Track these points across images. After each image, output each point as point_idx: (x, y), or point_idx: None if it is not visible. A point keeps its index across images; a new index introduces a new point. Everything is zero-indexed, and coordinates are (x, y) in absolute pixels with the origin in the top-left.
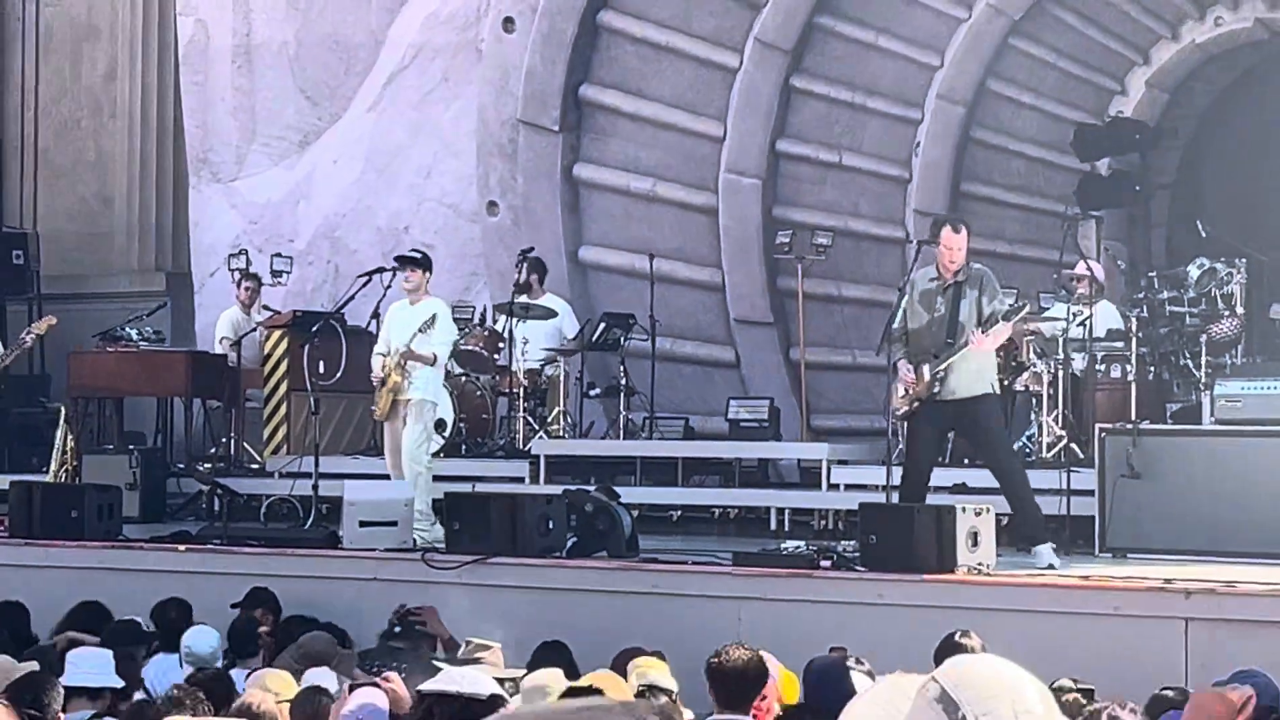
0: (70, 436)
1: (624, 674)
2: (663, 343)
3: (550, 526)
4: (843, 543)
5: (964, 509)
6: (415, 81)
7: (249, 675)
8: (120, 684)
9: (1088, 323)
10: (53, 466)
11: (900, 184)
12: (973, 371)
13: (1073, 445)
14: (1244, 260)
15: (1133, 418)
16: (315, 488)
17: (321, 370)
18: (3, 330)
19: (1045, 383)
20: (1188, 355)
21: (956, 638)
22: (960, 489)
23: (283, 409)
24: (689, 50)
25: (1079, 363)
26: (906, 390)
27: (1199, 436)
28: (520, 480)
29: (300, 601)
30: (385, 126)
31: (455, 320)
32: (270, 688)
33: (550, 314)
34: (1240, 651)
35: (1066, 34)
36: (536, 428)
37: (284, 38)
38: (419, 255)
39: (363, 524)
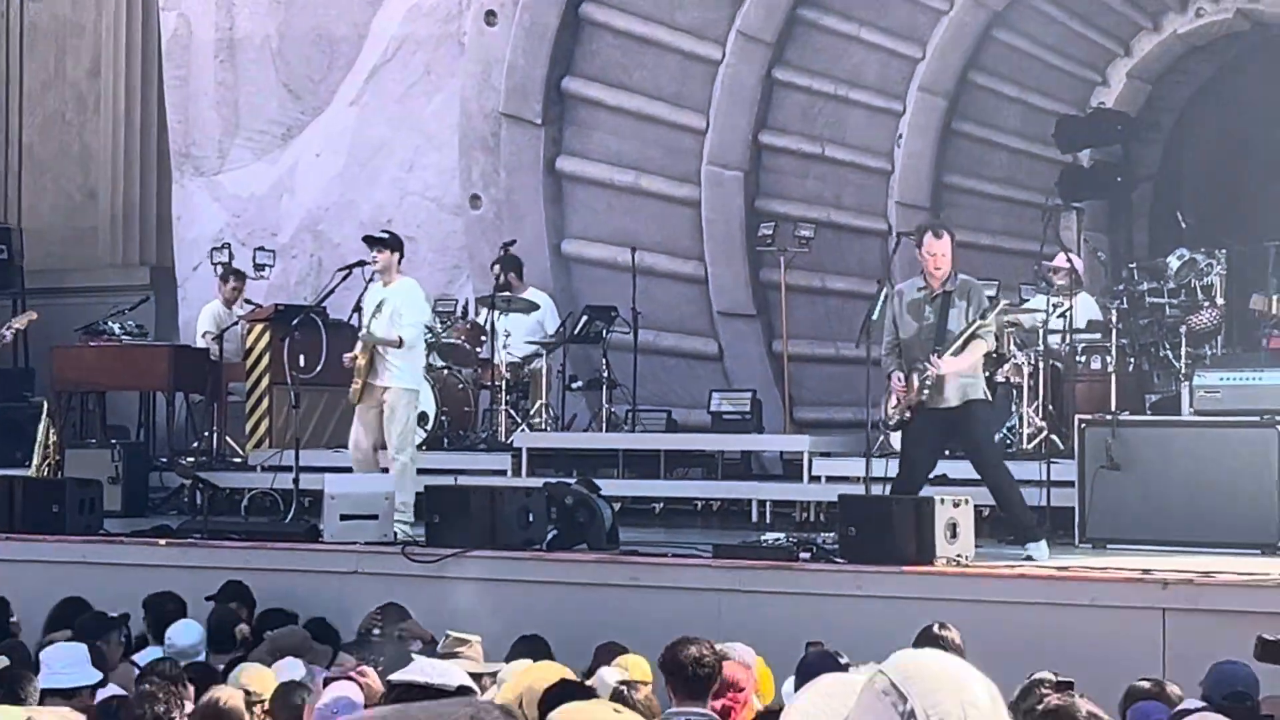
0: (52, 431)
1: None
2: (645, 335)
3: (530, 519)
4: (822, 535)
5: (942, 501)
6: (398, 75)
7: (223, 668)
8: (97, 678)
9: (1068, 314)
10: (35, 461)
11: (883, 176)
12: (962, 380)
13: (1053, 436)
14: (1224, 251)
15: (1112, 409)
16: (296, 481)
17: (302, 364)
18: None
19: (1025, 374)
20: (1168, 346)
21: (935, 630)
22: (941, 481)
23: (265, 403)
24: (671, 43)
25: (1059, 353)
26: (898, 399)
27: (1178, 427)
28: (502, 473)
29: (280, 595)
30: (368, 120)
31: (438, 314)
32: (248, 683)
33: (532, 307)
34: (1217, 642)
35: (1048, 25)
36: (518, 421)
37: (266, 32)
38: (386, 235)
39: (344, 518)
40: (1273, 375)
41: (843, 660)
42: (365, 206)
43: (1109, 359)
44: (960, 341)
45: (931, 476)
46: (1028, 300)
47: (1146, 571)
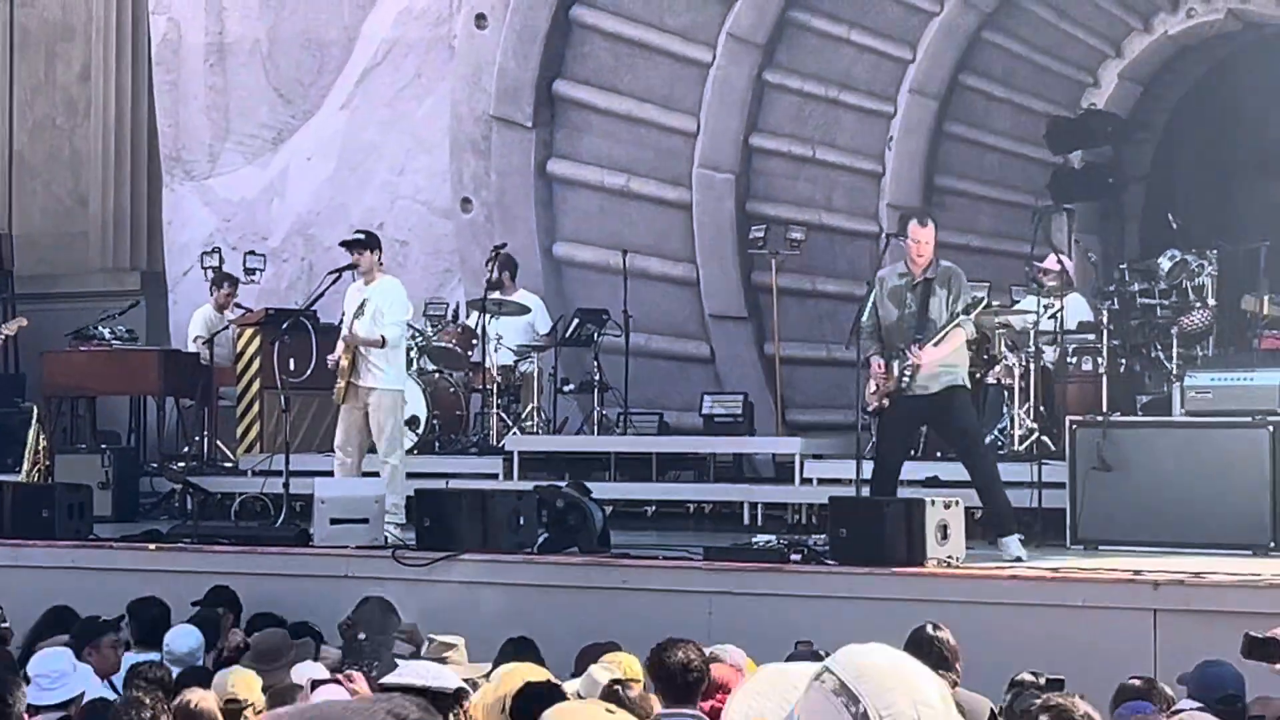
0: (42, 436)
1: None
2: (637, 338)
3: (521, 522)
4: (813, 537)
5: (933, 502)
6: (388, 78)
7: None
8: (84, 685)
9: (1059, 315)
10: (25, 466)
11: (874, 178)
12: (943, 366)
13: (1044, 438)
14: (1215, 252)
15: (1103, 410)
16: (286, 486)
17: (292, 368)
18: None
19: (1017, 375)
20: (1159, 347)
21: (929, 630)
22: (932, 482)
23: (256, 407)
24: (662, 45)
25: (1050, 355)
26: (877, 385)
27: (1169, 428)
28: (494, 476)
29: (271, 600)
30: (358, 123)
31: (429, 317)
32: (234, 687)
33: (523, 310)
34: (1208, 642)
35: (1038, 27)
36: (510, 424)
37: (257, 35)
38: (362, 236)
39: (334, 521)
40: (1264, 376)
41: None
42: (356, 210)
43: (1100, 360)
44: (941, 334)
45: (922, 478)
46: (1019, 302)
47: (1138, 573)
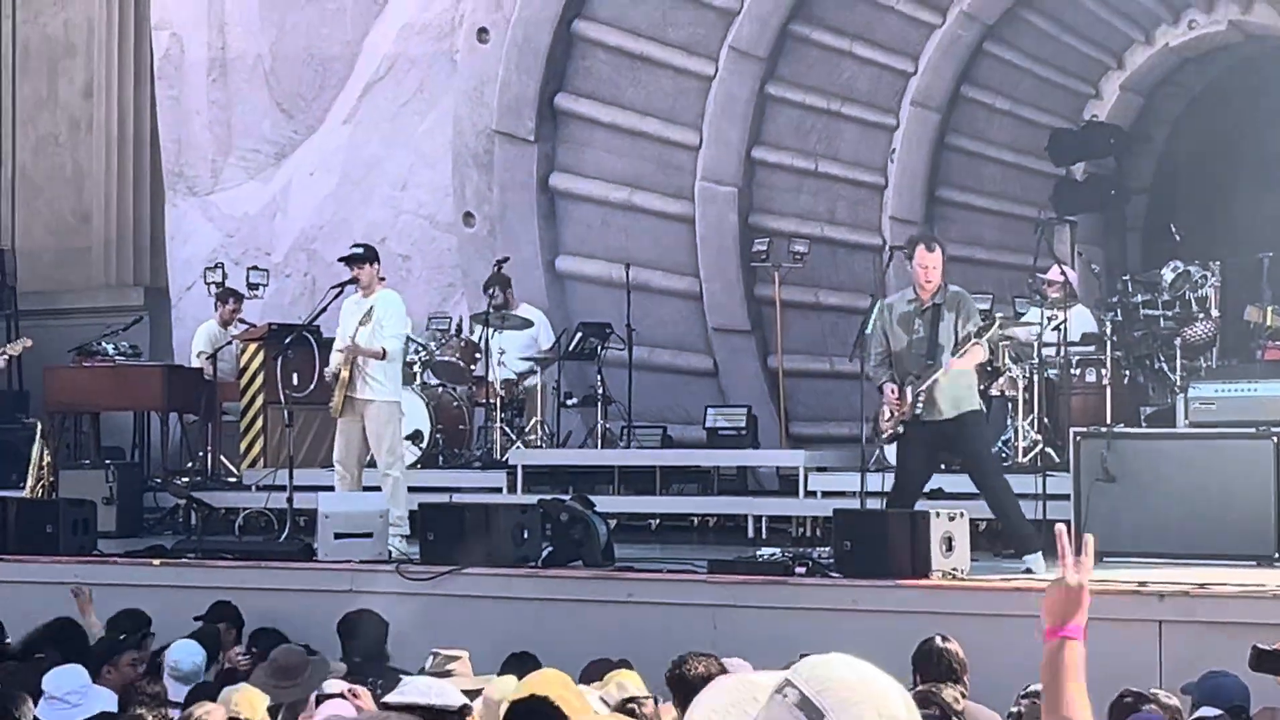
0: (46, 452)
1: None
2: (640, 352)
3: (525, 536)
4: (818, 549)
5: (938, 514)
6: (390, 93)
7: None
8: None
9: (1062, 327)
10: (29, 482)
11: (876, 191)
12: (956, 390)
13: (1048, 449)
14: (1218, 263)
15: (1108, 421)
16: (290, 500)
17: (295, 382)
18: None
19: (1020, 387)
20: (1162, 358)
21: (937, 642)
22: (936, 494)
23: (259, 422)
24: (664, 59)
25: (1054, 366)
26: (892, 412)
27: (1173, 439)
28: (497, 490)
29: (276, 615)
30: (361, 138)
31: (433, 331)
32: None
33: (526, 324)
34: (1213, 653)
35: (1040, 39)
36: (514, 438)
37: (259, 51)
38: (361, 250)
39: (338, 536)
40: (1268, 387)
41: None
42: (359, 225)
43: (1104, 371)
44: (965, 349)
45: (927, 490)
46: (1023, 314)
47: (1142, 584)
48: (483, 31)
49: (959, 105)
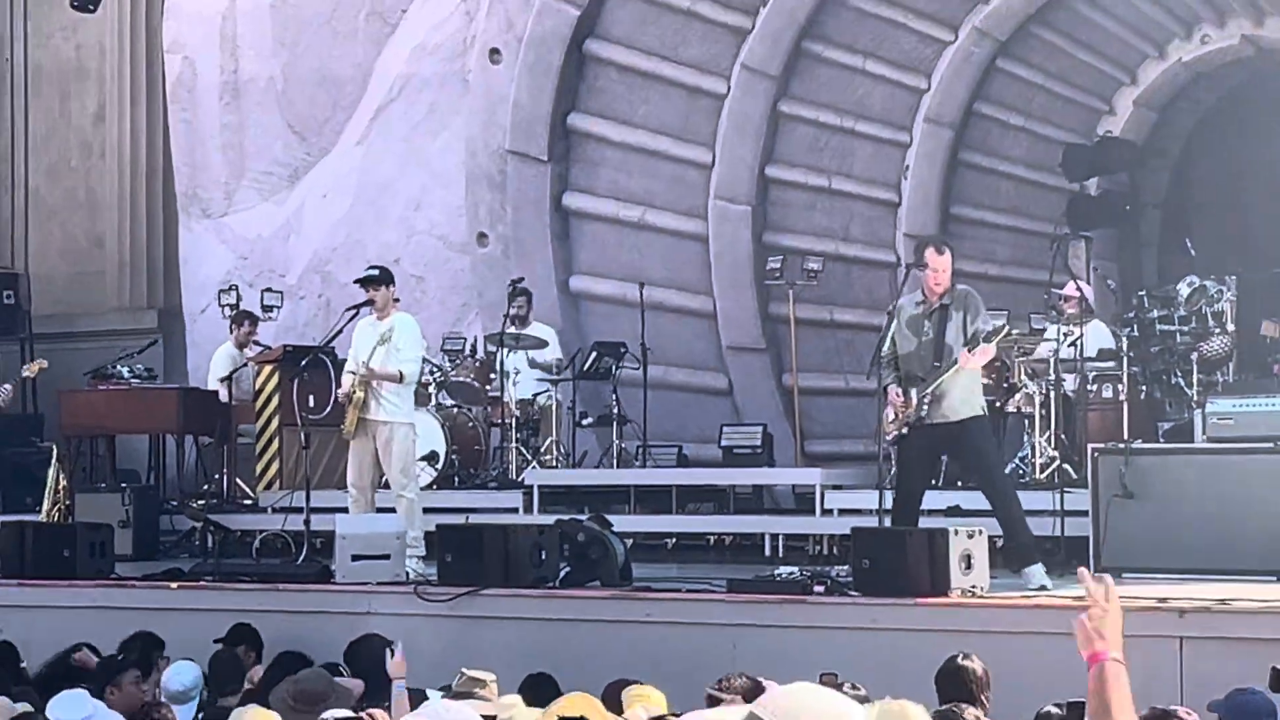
0: (62, 475)
1: (617, 704)
2: (655, 370)
3: (543, 557)
4: (836, 568)
5: (956, 532)
6: (403, 114)
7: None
8: None
9: (1079, 343)
10: (45, 506)
11: (890, 207)
12: (960, 394)
13: (1065, 466)
14: (1234, 278)
15: (1125, 437)
16: (307, 522)
17: (311, 404)
18: None
19: (1037, 403)
20: (1179, 374)
21: (959, 660)
22: (954, 511)
23: (275, 444)
24: (676, 77)
25: (1070, 383)
26: (896, 415)
27: (1191, 455)
28: (514, 511)
29: (294, 637)
30: (374, 159)
31: (447, 352)
32: None
33: (541, 343)
34: (1235, 670)
35: (1053, 55)
36: (529, 458)
37: (271, 73)
38: (377, 271)
39: (355, 558)
40: None
41: (860, 693)
42: (373, 246)
43: (1121, 387)
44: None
45: (944, 508)
46: (1039, 330)
47: (1162, 600)
48: (495, 52)
49: (972, 122)
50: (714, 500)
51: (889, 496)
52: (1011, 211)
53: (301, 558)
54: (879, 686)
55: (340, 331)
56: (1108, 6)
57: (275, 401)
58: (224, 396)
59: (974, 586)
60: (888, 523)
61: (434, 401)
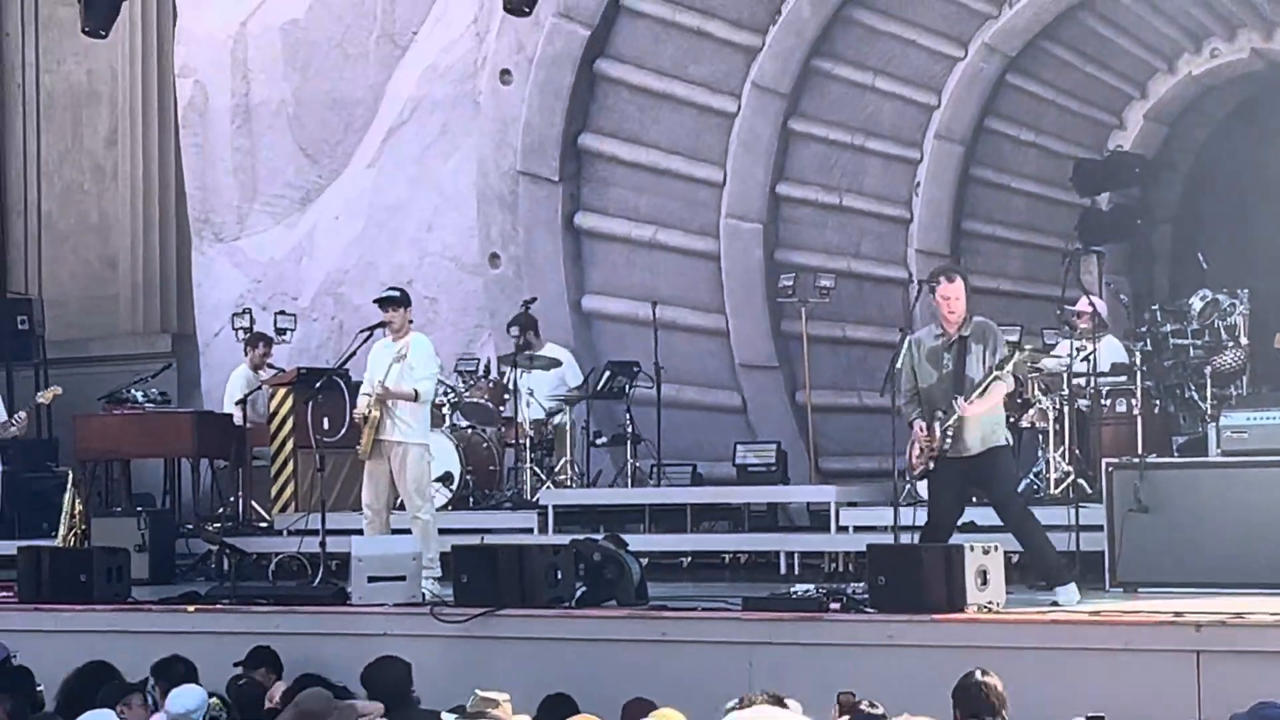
0: (78, 500)
1: None
2: (668, 389)
3: (558, 577)
4: (852, 585)
5: (972, 548)
6: (414, 135)
7: None
8: None
9: (1092, 358)
10: (61, 531)
11: (901, 224)
12: (983, 426)
13: (1080, 481)
14: (1246, 291)
15: (1139, 451)
16: (323, 544)
17: (326, 427)
18: (9, 395)
19: (1051, 419)
20: (1193, 387)
21: (977, 676)
22: (969, 528)
23: (290, 466)
24: (687, 96)
25: (1084, 397)
26: (921, 449)
27: (1206, 469)
28: (529, 531)
29: (310, 660)
30: (385, 181)
31: (460, 373)
32: None
33: (554, 364)
34: (1253, 683)
35: (1063, 70)
36: (544, 478)
37: (282, 96)
38: (397, 293)
39: (371, 579)
40: None
41: (877, 710)
42: (385, 268)
43: (1134, 401)
44: (981, 388)
45: (960, 524)
46: (1051, 345)
47: (1179, 614)
48: (505, 73)
49: (983, 137)
50: (729, 518)
51: (905, 513)
52: (1023, 227)
53: (317, 580)
54: (896, 703)
55: (354, 353)
56: (1117, 21)
57: (290, 424)
58: (239, 419)
59: (990, 602)
60: (903, 539)
61: (448, 422)
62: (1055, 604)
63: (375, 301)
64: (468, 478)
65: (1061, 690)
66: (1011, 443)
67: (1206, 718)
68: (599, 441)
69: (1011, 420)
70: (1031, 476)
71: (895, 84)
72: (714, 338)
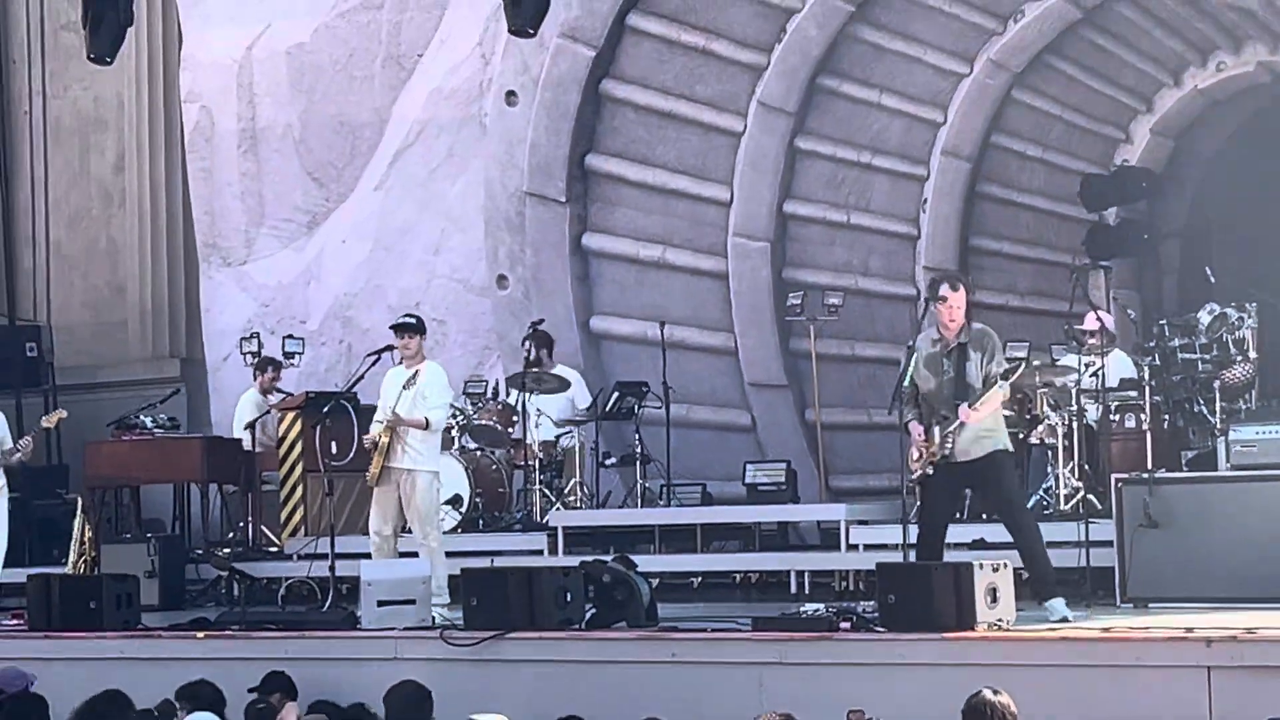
0: (87, 527)
1: None
2: (678, 409)
3: (568, 599)
4: (862, 603)
5: (981, 565)
6: (421, 158)
7: None
8: None
9: (1100, 373)
10: (71, 558)
11: (909, 241)
12: (983, 431)
13: (1090, 496)
14: (1255, 305)
15: (1149, 466)
16: (332, 569)
17: (334, 450)
18: (18, 422)
19: (1060, 435)
20: (1202, 402)
21: (987, 695)
22: (979, 545)
23: (299, 491)
24: (692, 116)
25: (1093, 413)
26: (920, 453)
27: (1216, 483)
28: (539, 553)
29: (321, 684)
30: (393, 204)
31: (469, 395)
32: None
33: (563, 385)
34: (1264, 699)
35: (1069, 85)
36: (553, 500)
37: (288, 121)
38: (414, 320)
39: (381, 603)
40: None
41: None
42: (393, 291)
43: (1143, 416)
44: (982, 397)
45: (969, 541)
46: (1059, 360)
47: (1189, 630)
48: (511, 94)
49: (989, 153)
50: (739, 538)
51: (914, 531)
52: (1031, 242)
53: (327, 604)
54: None
55: (362, 377)
56: (1122, 35)
57: (298, 448)
58: (248, 444)
59: (1000, 620)
60: (913, 557)
61: (457, 445)
62: (1064, 620)
63: (391, 328)
64: (477, 500)
65: (1072, 708)
66: (1011, 449)
67: None
68: (608, 462)
69: (1020, 436)
70: (1041, 493)
71: (901, 101)
72: (723, 357)
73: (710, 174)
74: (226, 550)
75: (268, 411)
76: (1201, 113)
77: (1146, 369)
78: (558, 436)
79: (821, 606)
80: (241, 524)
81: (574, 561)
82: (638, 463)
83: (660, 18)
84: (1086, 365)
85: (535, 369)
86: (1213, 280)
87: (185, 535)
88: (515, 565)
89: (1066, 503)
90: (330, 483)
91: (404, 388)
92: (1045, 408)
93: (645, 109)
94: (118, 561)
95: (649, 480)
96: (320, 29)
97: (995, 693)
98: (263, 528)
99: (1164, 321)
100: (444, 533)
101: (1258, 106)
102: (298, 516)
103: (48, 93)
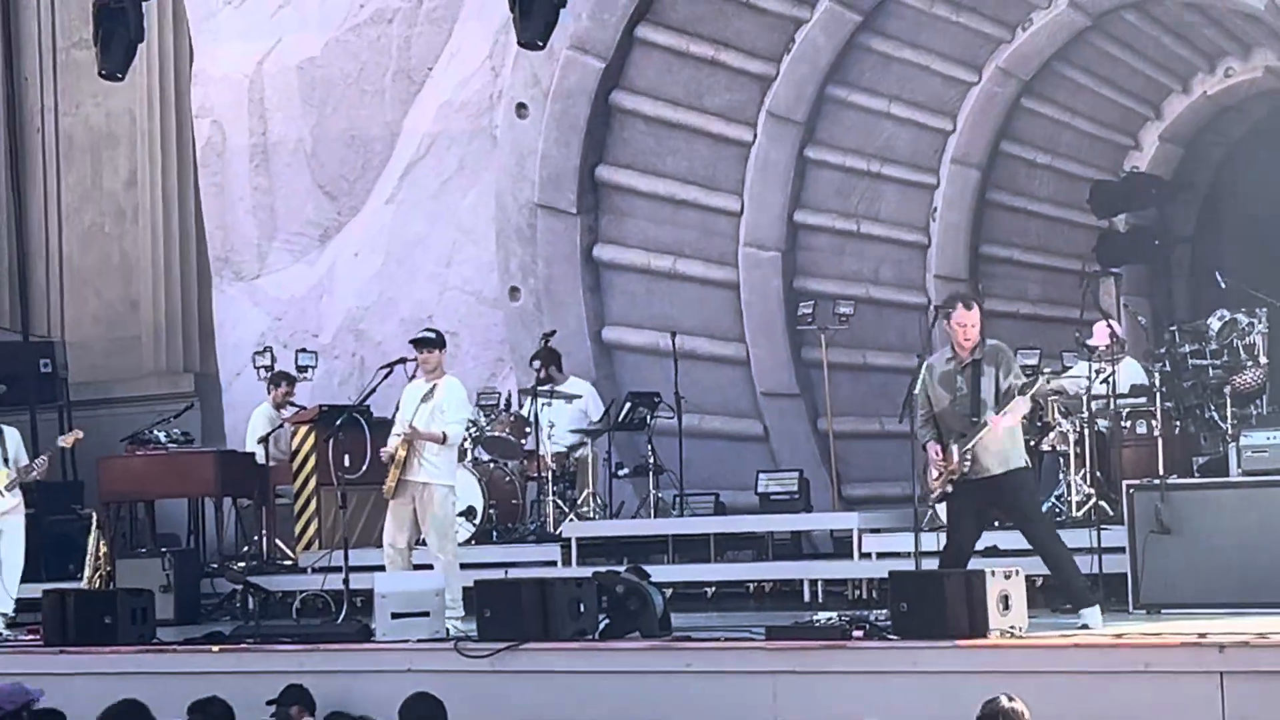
0: (102, 542)
1: None
2: (690, 419)
3: (582, 609)
4: (875, 612)
5: (993, 572)
6: (432, 171)
7: None
8: None
9: (1111, 380)
10: (86, 573)
11: (919, 249)
12: (1001, 447)
13: (1101, 503)
14: (1265, 310)
15: (1160, 473)
16: (346, 581)
17: (347, 464)
18: (33, 438)
19: (1072, 441)
20: (1212, 407)
21: (1002, 702)
22: (991, 552)
23: (312, 504)
24: (702, 126)
25: (1104, 420)
26: (939, 472)
27: (1227, 489)
28: (552, 564)
29: (337, 697)
30: (404, 217)
31: (482, 407)
32: None
33: (575, 396)
34: (1277, 704)
35: (1078, 92)
36: (566, 510)
37: (300, 135)
38: (434, 335)
39: (395, 616)
40: None
41: None
42: (405, 304)
43: (1155, 423)
44: (1007, 406)
45: (981, 548)
46: (1070, 368)
47: (1202, 635)
48: (521, 107)
49: (999, 161)
50: (752, 547)
51: (926, 539)
52: (1041, 250)
53: (342, 617)
54: None
55: (374, 390)
56: (1130, 42)
57: (312, 462)
58: (262, 458)
59: (1013, 627)
60: (925, 564)
61: (470, 457)
62: (1085, 627)
63: (412, 342)
64: (490, 512)
65: (1086, 714)
66: (1030, 464)
67: None
68: (621, 473)
69: (1032, 444)
70: (1053, 500)
71: (910, 110)
72: (734, 366)
73: (720, 184)
74: (241, 564)
75: (281, 425)
76: (1210, 119)
77: (1157, 375)
78: (570, 447)
79: (834, 615)
80: (256, 538)
81: (588, 572)
82: (650, 473)
83: (669, 29)
84: (1097, 372)
85: (547, 385)
86: (1223, 286)
87: (200, 549)
88: (529, 576)
89: (1078, 509)
90: (344, 495)
91: (422, 401)
92: (1056, 415)
93: (655, 120)
94: (133, 576)
95: (662, 490)
96: (331, 43)
97: (1010, 699)
98: (277, 541)
99: (1174, 327)
100: (458, 545)
101: (1267, 111)
102: (312, 530)
103: (60, 109)
